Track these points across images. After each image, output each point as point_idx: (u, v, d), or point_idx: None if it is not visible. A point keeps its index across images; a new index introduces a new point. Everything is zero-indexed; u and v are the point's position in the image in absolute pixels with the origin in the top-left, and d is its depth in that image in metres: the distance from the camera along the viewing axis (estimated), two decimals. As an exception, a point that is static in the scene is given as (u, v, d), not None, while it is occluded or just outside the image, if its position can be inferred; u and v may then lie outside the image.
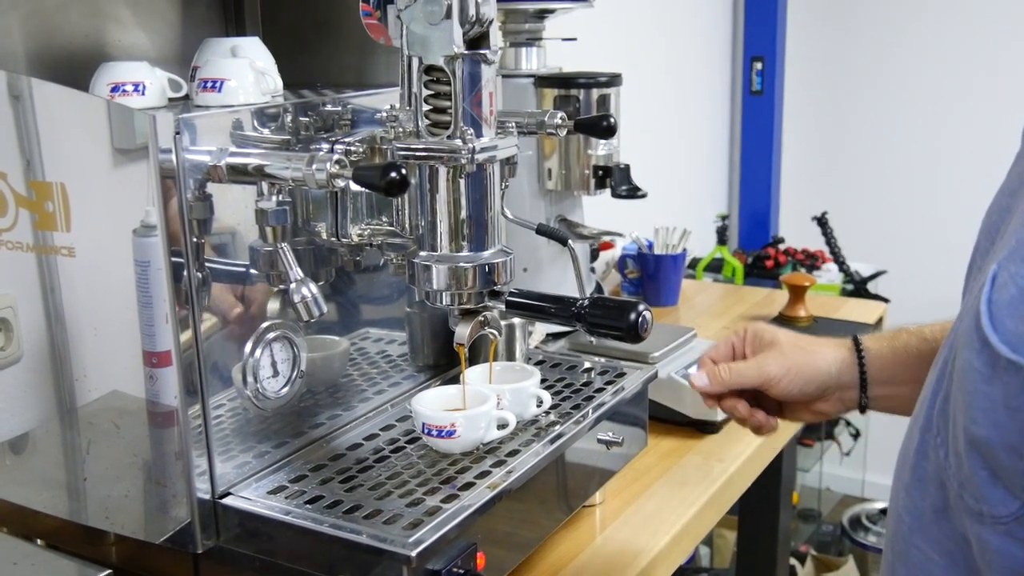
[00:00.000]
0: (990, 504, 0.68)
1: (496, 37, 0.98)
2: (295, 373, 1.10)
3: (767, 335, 1.12)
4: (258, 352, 1.05)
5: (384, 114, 1.06)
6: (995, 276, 0.67)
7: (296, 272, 0.98)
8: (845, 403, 1.10)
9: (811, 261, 2.99)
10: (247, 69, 1.08)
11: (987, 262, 0.74)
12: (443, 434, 1.08)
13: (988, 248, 0.77)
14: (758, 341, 1.13)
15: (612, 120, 1.20)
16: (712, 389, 1.12)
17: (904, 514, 0.78)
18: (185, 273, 0.96)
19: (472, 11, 0.94)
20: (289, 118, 1.07)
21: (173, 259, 0.95)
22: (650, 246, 2.23)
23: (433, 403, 1.14)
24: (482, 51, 0.96)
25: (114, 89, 1.06)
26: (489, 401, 1.11)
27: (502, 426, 1.13)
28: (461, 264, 1.00)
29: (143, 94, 1.07)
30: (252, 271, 1.04)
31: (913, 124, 3.40)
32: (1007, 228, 0.73)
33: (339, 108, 1.11)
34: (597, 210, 1.95)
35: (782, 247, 3.04)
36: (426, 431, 1.10)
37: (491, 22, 0.96)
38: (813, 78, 3.66)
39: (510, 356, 1.37)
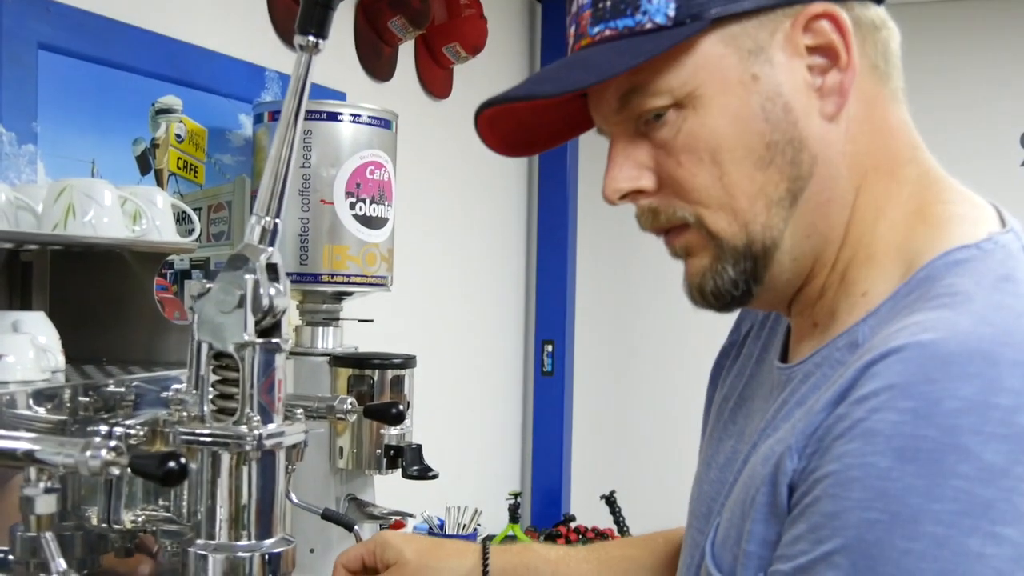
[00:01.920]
0: None
1: (287, 326, 1.00)
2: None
3: (391, 552, 1.15)
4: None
5: (170, 394, 1.05)
6: (717, 525, 0.86)
7: (59, 563, 0.92)
8: None
9: (601, 540, 3.03)
10: (27, 345, 1.06)
11: (709, 526, 0.91)
12: None
13: (706, 514, 0.93)
14: (385, 557, 1.15)
15: (400, 409, 1.23)
16: None
17: None
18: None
19: (265, 301, 0.96)
20: (67, 395, 1.04)
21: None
22: (441, 525, 2.22)
23: None
24: (274, 340, 0.98)
25: None
26: None
27: None
28: (240, 554, 0.97)
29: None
30: (10, 556, 0.98)
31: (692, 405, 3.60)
32: (728, 497, 0.89)
33: (122, 388, 1.09)
34: (389, 488, 1.94)
35: (573, 525, 3.07)
36: None
37: (284, 312, 0.99)
38: (601, 359, 3.85)
39: None
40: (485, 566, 1.18)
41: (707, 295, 0.86)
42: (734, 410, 1.00)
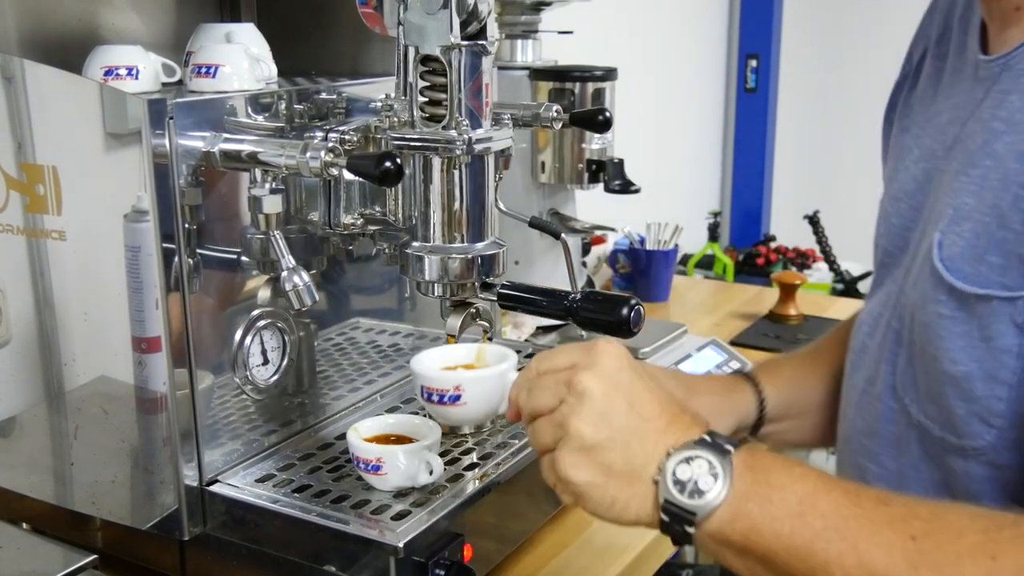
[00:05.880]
0: (971, 438, 0.79)
1: (493, 28, 0.97)
2: (285, 361, 1.10)
3: None
4: (248, 340, 1.05)
5: (379, 103, 1.05)
6: (940, 242, 0.82)
7: (288, 260, 0.98)
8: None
9: (802, 260, 3.00)
10: (242, 55, 1.07)
11: (904, 259, 0.89)
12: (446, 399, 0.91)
13: (900, 247, 0.91)
14: None
15: (608, 114, 1.20)
16: None
17: (876, 482, 0.89)
18: (176, 259, 0.96)
19: (470, 2, 0.94)
20: (283, 105, 1.06)
21: (164, 245, 0.95)
22: (642, 241, 2.23)
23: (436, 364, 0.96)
24: (480, 42, 0.96)
25: (107, 72, 1.06)
26: (510, 359, 0.93)
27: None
28: (453, 255, 1.00)
29: (136, 78, 1.07)
30: (244, 258, 1.04)
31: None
32: (926, 220, 0.87)
33: (334, 96, 1.11)
34: (590, 204, 1.94)
35: (773, 245, 3.04)
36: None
37: (489, 14, 0.96)
38: (808, 76, 3.66)
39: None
40: (761, 400, 1.08)
41: None
42: (918, 135, 0.95)
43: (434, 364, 0.93)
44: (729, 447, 0.73)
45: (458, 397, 0.88)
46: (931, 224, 0.86)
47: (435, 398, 0.89)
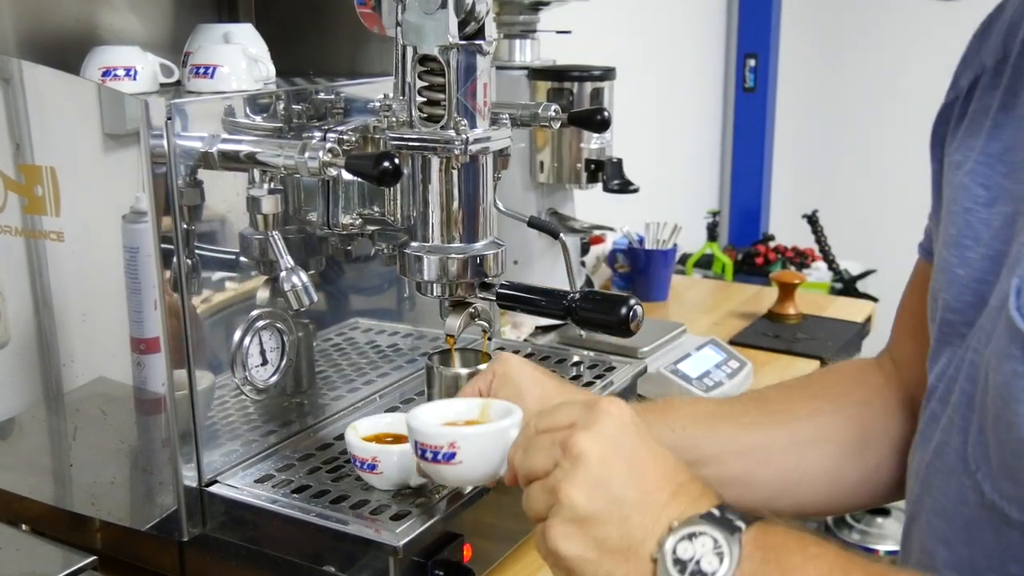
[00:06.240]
0: None
1: (491, 28, 0.97)
2: (284, 362, 1.10)
3: (510, 389, 0.95)
4: (247, 340, 1.05)
5: (377, 103, 1.05)
6: (1020, 288, 0.69)
7: (287, 260, 0.98)
8: None
9: (801, 259, 3.00)
10: (240, 56, 1.07)
11: (978, 316, 0.76)
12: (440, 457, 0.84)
13: (972, 302, 0.78)
14: (503, 394, 0.95)
15: (606, 114, 1.20)
16: None
17: (946, 570, 0.77)
18: (175, 260, 0.96)
19: (468, 2, 0.94)
20: (282, 106, 1.06)
21: (163, 245, 0.95)
22: (641, 241, 2.23)
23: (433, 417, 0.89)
24: (477, 41, 0.96)
25: (105, 73, 1.06)
26: (514, 415, 0.85)
27: None
28: (452, 255, 1.00)
29: (134, 79, 1.07)
30: (242, 259, 1.04)
31: (906, 124, 3.41)
32: (1009, 269, 0.74)
33: (332, 96, 1.11)
34: (588, 204, 1.94)
35: (772, 244, 3.04)
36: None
37: (487, 13, 0.96)
38: (806, 76, 3.66)
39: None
40: None
41: None
42: (979, 172, 0.82)
43: (431, 419, 0.86)
44: (740, 523, 0.67)
45: (453, 455, 0.81)
46: (1012, 272, 0.73)
47: (428, 455, 0.83)
